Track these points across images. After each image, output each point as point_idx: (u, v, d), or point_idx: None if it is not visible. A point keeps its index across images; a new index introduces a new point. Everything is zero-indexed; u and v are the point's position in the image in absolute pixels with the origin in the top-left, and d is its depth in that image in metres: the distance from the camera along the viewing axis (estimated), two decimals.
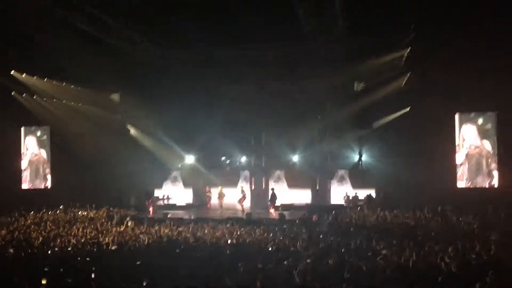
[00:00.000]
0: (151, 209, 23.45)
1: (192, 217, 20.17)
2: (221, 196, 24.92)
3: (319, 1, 16.14)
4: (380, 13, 16.68)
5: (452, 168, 22.86)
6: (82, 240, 13.57)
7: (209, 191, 25.54)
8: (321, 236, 13.92)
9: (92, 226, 16.72)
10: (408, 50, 20.59)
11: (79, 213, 20.78)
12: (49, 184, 26.60)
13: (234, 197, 25.02)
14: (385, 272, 9.20)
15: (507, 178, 21.67)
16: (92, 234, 14.83)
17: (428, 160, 21.86)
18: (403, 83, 22.73)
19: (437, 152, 22.30)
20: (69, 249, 12.36)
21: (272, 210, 22.90)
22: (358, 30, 18.81)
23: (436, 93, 20.98)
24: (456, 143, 22.87)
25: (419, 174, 21.74)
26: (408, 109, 23.11)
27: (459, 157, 22.86)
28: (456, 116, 22.94)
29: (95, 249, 12.39)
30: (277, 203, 23.57)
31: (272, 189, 24.22)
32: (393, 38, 19.86)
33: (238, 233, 14.74)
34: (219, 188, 25.19)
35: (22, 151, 27.08)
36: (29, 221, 18.14)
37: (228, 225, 16.46)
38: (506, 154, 21.83)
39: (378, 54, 21.30)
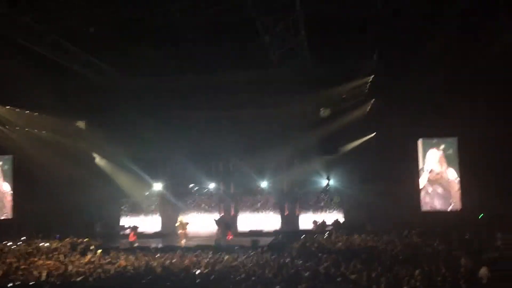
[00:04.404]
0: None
1: (160, 246, 19.80)
2: (183, 226, 22.92)
3: (284, 29, 16.44)
4: (343, 40, 17.10)
5: (416, 193, 23.30)
6: (45, 273, 13.13)
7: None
8: (287, 261, 13.93)
9: (55, 257, 16.22)
10: (372, 77, 21.11)
11: (42, 244, 20.13)
12: (10, 214, 25.77)
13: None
14: None
15: (469, 201, 22.21)
16: (56, 266, 14.39)
17: (394, 184, 22.25)
18: (368, 109, 23.22)
19: (402, 176, 22.77)
20: (31, 282, 11.94)
21: (230, 237, 22.21)
22: (323, 57, 19.19)
23: (400, 118, 21.50)
24: (420, 168, 23.38)
25: (385, 198, 22.10)
26: (373, 134, 23.57)
27: (421, 182, 23.37)
28: (419, 141, 23.51)
29: (58, 282, 12.01)
30: (246, 229, 23.17)
31: (225, 216, 23.82)
32: (357, 65, 20.32)
33: (207, 261, 14.57)
34: (180, 218, 23.70)
35: None
36: None
37: (197, 253, 16.25)
38: (467, 178, 22.40)
39: (343, 81, 21.73)
